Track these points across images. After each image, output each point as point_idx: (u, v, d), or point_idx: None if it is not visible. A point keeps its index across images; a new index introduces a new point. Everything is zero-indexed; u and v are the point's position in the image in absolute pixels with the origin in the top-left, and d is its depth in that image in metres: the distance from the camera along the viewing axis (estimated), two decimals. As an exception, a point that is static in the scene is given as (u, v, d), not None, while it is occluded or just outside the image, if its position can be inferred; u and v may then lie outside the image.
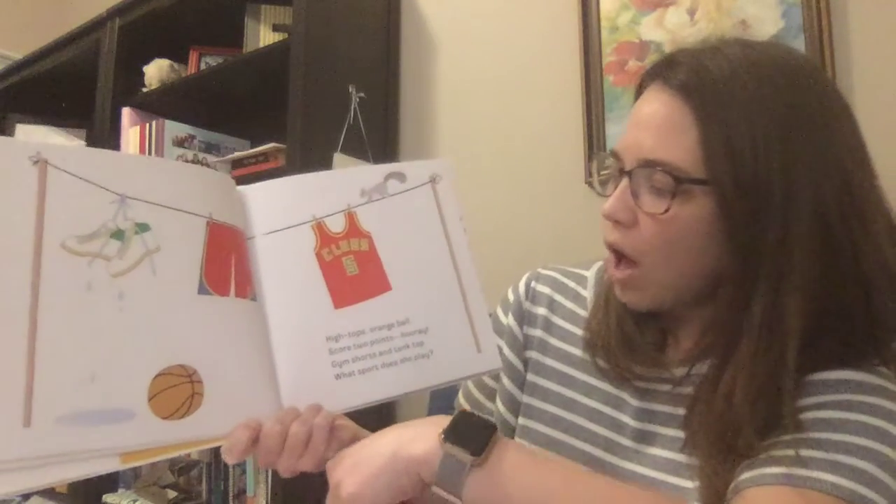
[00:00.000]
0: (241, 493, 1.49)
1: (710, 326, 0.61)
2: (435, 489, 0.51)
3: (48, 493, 1.84)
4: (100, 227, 0.51)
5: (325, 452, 0.55)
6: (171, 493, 1.56)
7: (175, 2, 1.72)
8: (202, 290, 0.55)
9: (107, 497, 1.64)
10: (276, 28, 1.64)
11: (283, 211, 0.62)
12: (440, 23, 1.64)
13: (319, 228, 0.61)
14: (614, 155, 0.61)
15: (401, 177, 0.65)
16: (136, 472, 1.74)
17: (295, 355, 0.58)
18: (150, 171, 0.56)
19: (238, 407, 0.54)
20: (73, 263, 0.50)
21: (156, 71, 1.82)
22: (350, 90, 1.52)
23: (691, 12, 1.26)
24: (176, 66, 1.84)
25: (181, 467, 1.63)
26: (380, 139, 1.59)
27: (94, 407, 0.48)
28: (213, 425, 0.53)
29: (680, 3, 1.27)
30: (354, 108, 1.51)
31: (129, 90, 1.86)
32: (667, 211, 0.55)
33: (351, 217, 0.62)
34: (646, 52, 1.31)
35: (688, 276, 0.59)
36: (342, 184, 0.64)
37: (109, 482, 1.72)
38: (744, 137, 0.53)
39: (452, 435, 0.50)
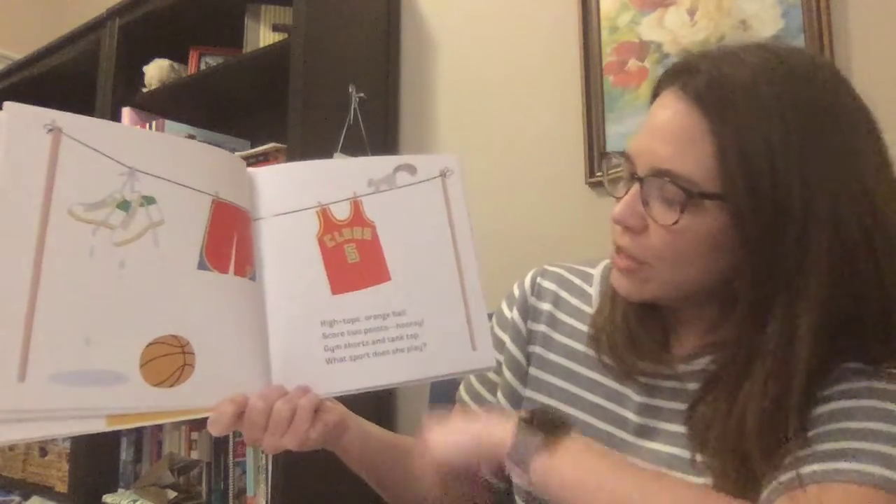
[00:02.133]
0: (241, 493, 1.49)
1: (714, 326, 0.62)
2: (508, 465, 0.56)
3: (48, 492, 1.84)
4: (107, 196, 0.53)
5: (307, 432, 0.56)
6: (171, 493, 1.55)
7: (175, 2, 1.73)
8: (201, 266, 0.56)
9: (107, 497, 1.64)
10: (276, 28, 1.64)
11: (290, 195, 0.63)
12: (440, 23, 1.64)
13: (324, 214, 0.62)
14: (626, 157, 0.60)
15: (411, 169, 0.65)
16: (136, 471, 1.74)
17: (289, 336, 0.59)
18: (161, 147, 0.58)
19: (227, 381, 0.55)
20: (78, 229, 0.52)
21: (156, 71, 1.82)
22: (350, 90, 1.52)
23: (691, 12, 1.26)
24: (176, 66, 1.83)
25: (181, 467, 1.62)
26: (380, 139, 1.59)
27: (87, 368, 0.50)
28: (201, 397, 0.54)
29: (680, 3, 1.27)
30: (354, 108, 1.51)
31: (129, 90, 1.86)
32: (676, 223, 0.55)
33: (356, 205, 0.63)
34: (646, 52, 1.31)
35: (695, 281, 0.59)
36: (351, 172, 0.65)
37: (109, 482, 1.72)
38: (761, 150, 0.52)
39: (528, 423, 0.56)
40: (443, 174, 0.66)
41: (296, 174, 0.65)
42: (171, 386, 0.52)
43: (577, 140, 1.37)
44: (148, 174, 0.55)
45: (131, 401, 0.51)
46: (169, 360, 0.53)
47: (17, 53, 2.42)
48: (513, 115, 1.49)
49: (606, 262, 0.76)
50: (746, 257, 0.54)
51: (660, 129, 0.57)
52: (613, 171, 0.65)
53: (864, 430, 0.52)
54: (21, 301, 0.48)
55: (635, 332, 0.65)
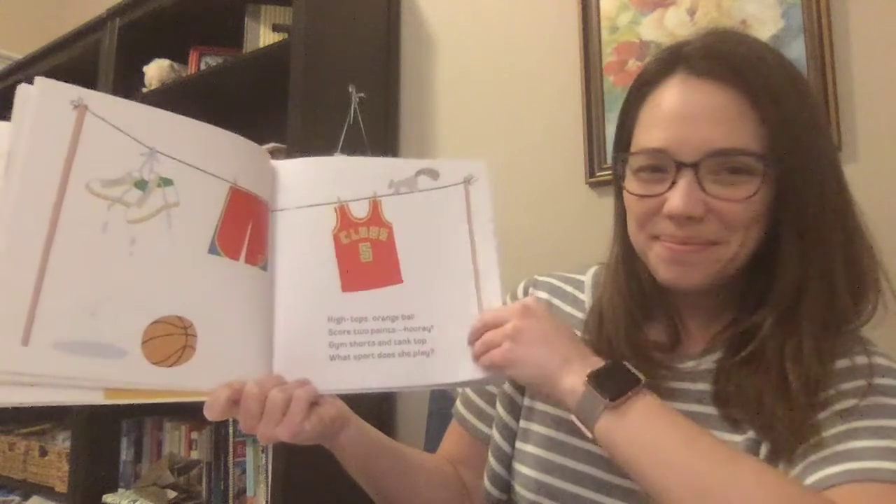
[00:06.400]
0: (241, 493, 1.49)
1: (724, 319, 0.64)
2: (574, 419, 0.56)
3: (48, 492, 1.84)
4: (125, 174, 0.54)
5: (302, 424, 0.55)
6: (171, 493, 1.56)
7: (175, 2, 1.73)
8: (212, 250, 0.56)
9: (107, 497, 1.64)
10: (276, 28, 1.64)
11: (311, 189, 0.63)
12: (440, 23, 1.64)
13: (342, 211, 0.62)
14: (660, 151, 0.59)
15: (433, 174, 0.65)
16: (136, 471, 1.74)
17: (294, 329, 0.59)
18: (184, 131, 0.58)
19: (227, 367, 0.55)
20: (94, 204, 0.52)
21: (156, 71, 1.82)
22: (350, 90, 1.51)
23: (691, 12, 1.26)
24: (176, 66, 1.83)
25: (181, 467, 1.63)
26: (380, 139, 1.59)
27: (89, 339, 0.50)
28: (199, 380, 0.54)
29: (680, 3, 1.27)
30: (354, 108, 1.51)
31: (129, 90, 1.86)
32: (755, 194, 0.57)
33: (375, 205, 0.63)
34: (646, 52, 1.31)
35: (746, 253, 0.60)
36: (373, 172, 0.65)
37: (109, 482, 1.72)
38: (791, 111, 0.57)
39: (597, 378, 0.55)
40: (466, 181, 0.65)
41: (318, 169, 0.65)
42: (171, 366, 0.53)
43: (577, 140, 1.37)
44: (168, 156, 0.56)
45: (129, 376, 0.51)
46: (171, 340, 0.53)
47: (17, 53, 2.42)
48: (513, 115, 1.49)
49: (596, 267, 0.76)
50: (788, 221, 0.58)
51: (697, 113, 0.58)
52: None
53: (868, 428, 0.52)
54: (32, 267, 0.49)
55: (633, 335, 0.65)
